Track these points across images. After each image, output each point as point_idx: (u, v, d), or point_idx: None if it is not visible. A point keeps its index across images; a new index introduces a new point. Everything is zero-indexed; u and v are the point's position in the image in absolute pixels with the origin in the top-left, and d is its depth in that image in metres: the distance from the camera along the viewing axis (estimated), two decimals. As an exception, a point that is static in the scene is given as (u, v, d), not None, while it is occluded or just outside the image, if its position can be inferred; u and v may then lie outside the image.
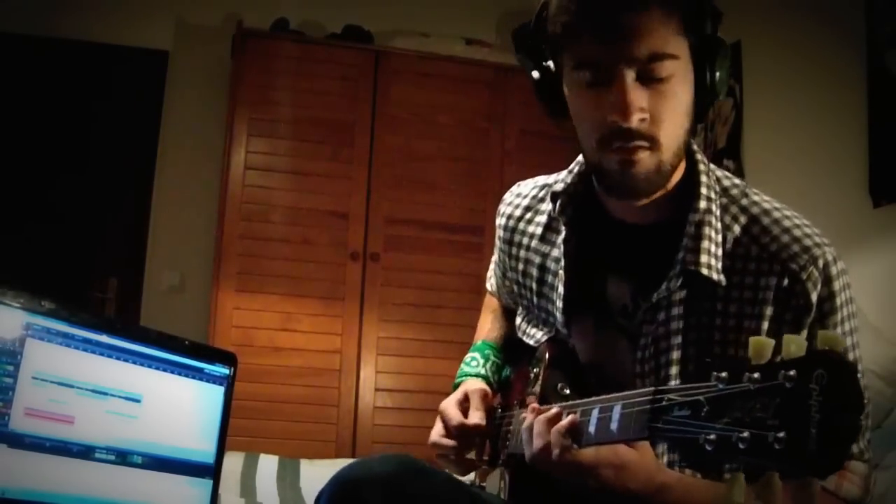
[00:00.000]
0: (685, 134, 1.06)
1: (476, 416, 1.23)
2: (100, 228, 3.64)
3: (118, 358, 1.16)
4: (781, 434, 0.65)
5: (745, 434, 0.67)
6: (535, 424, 0.99)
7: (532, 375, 1.23)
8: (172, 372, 1.23)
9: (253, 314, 3.31)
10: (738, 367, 0.70)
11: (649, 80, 1.00)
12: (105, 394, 1.14)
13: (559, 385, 1.14)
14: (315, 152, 3.45)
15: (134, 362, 1.18)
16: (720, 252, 1.07)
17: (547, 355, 1.21)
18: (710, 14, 1.04)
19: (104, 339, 1.15)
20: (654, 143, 1.02)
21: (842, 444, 0.64)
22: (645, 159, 1.02)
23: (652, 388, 0.83)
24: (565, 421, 0.95)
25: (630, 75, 0.99)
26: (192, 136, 3.75)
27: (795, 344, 0.68)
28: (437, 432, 1.26)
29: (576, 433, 0.94)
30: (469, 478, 1.33)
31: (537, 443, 0.97)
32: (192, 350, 1.26)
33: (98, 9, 3.68)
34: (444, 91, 3.60)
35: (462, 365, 1.38)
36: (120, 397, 1.16)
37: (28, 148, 3.59)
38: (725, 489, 0.71)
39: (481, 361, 1.36)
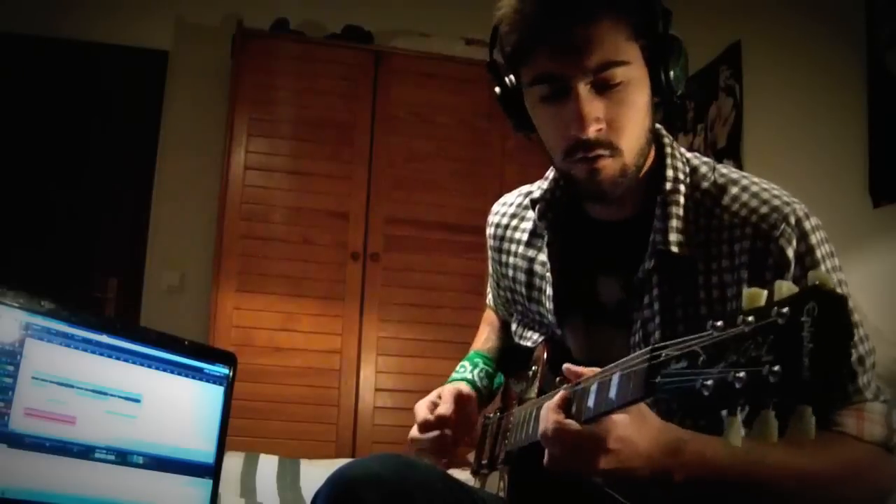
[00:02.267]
0: (646, 133, 1.08)
1: (442, 408, 1.24)
2: (100, 228, 3.64)
3: (118, 358, 1.17)
4: (776, 368, 0.65)
5: (742, 374, 0.67)
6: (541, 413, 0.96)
7: (530, 374, 1.24)
8: (172, 372, 1.23)
9: (253, 314, 3.30)
10: (732, 315, 0.71)
11: (604, 88, 1.03)
12: (105, 394, 1.14)
13: (557, 381, 1.15)
14: (315, 152, 3.45)
15: (134, 362, 1.18)
16: (687, 228, 1.08)
17: (544, 355, 1.22)
18: (661, 15, 1.06)
19: (104, 339, 1.15)
20: (614, 150, 1.05)
21: (834, 370, 0.65)
22: (608, 166, 1.05)
23: (649, 347, 0.82)
24: (556, 397, 0.93)
25: (584, 87, 1.02)
26: (192, 136, 3.75)
27: (786, 286, 0.68)
28: (412, 432, 1.27)
29: (568, 406, 0.92)
30: (469, 479, 1.33)
31: (539, 428, 0.94)
32: (191, 350, 1.26)
33: (98, 9, 3.68)
34: (444, 91, 3.60)
35: (452, 373, 1.39)
36: (120, 397, 1.16)
37: (28, 148, 3.59)
38: (724, 434, 0.71)
39: (469, 368, 1.38)
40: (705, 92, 3.22)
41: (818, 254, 1.03)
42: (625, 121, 1.04)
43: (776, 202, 1.05)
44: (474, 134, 3.60)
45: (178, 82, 3.79)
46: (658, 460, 0.90)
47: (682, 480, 0.90)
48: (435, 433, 1.23)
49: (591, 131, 1.02)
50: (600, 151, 1.04)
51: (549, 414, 0.92)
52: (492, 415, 1.36)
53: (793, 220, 1.03)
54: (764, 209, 1.05)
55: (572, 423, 0.90)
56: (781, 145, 2.80)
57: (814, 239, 1.03)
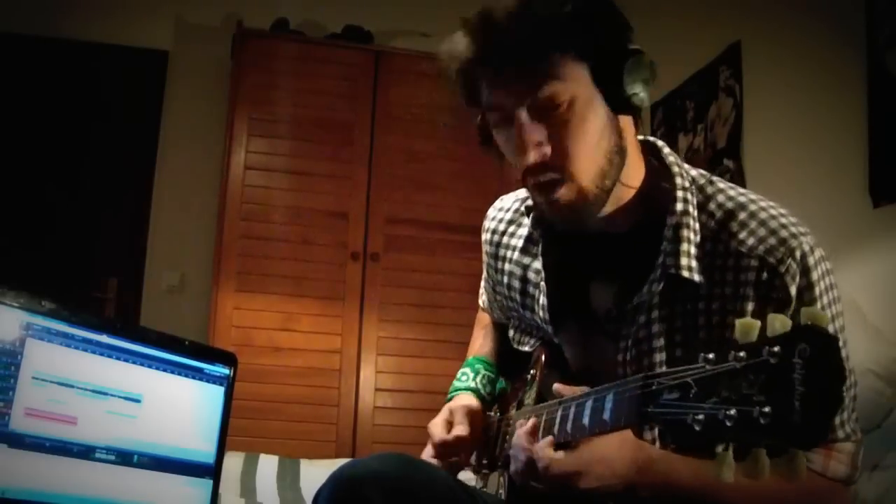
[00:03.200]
0: (605, 154, 1.05)
1: (459, 429, 1.25)
2: (100, 228, 3.64)
3: (118, 358, 1.16)
4: (767, 409, 0.65)
5: (732, 411, 0.68)
6: (515, 441, 1.00)
7: (528, 378, 1.24)
8: (172, 372, 1.22)
9: (253, 314, 3.30)
10: (724, 348, 0.71)
11: (544, 112, 1.02)
12: (105, 394, 1.14)
13: (555, 387, 1.15)
14: (315, 152, 3.45)
15: (134, 362, 1.18)
16: (698, 253, 1.07)
17: (542, 358, 1.22)
18: (609, 32, 1.03)
19: (104, 339, 1.15)
20: (564, 173, 1.03)
21: (825, 414, 0.65)
22: (564, 194, 1.04)
23: (642, 375, 0.83)
24: (527, 429, 0.98)
25: (524, 114, 1.03)
26: (192, 136, 3.75)
27: (780, 321, 0.68)
28: (426, 453, 1.27)
29: (549, 428, 0.97)
30: (471, 479, 1.33)
31: (515, 462, 0.99)
32: (192, 350, 1.25)
33: (98, 9, 3.68)
34: (444, 91, 3.59)
35: (454, 381, 1.39)
36: (120, 397, 1.16)
37: (28, 148, 3.59)
38: (714, 468, 0.71)
39: (471, 375, 1.37)
40: (705, 92, 3.22)
41: (817, 290, 1.03)
42: (570, 142, 1.02)
43: (784, 233, 1.04)
44: (474, 134, 3.59)
45: (178, 82, 3.79)
46: (629, 478, 0.95)
47: (647, 495, 0.96)
48: (454, 459, 1.25)
49: (532, 156, 1.03)
50: (551, 175, 1.03)
51: (526, 447, 0.98)
52: (492, 414, 1.36)
53: (798, 255, 1.02)
54: (772, 241, 1.04)
55: (559, 457, 0.95)
56: (781, 145, 2.80)
57: (815, 274, 1.03)
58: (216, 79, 3.72)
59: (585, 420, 0.93)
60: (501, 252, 1.32)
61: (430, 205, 3.52)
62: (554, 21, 1.00)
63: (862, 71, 2.39)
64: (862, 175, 2.36)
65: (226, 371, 1.29)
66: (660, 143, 1.17)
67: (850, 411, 1.05)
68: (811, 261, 1.03)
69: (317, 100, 3.49)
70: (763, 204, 1.09)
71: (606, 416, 0.88)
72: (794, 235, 1.04)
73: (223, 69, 3.65)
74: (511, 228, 1.32)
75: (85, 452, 1.11)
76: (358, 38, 3.65)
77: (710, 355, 0.72)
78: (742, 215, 1.08)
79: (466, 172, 3.55)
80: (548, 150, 1.02)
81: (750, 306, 1.03)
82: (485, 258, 1.38)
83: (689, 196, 1.10)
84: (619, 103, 1.04)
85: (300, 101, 3.48)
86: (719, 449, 0.86)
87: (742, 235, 1.06)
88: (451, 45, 1.07)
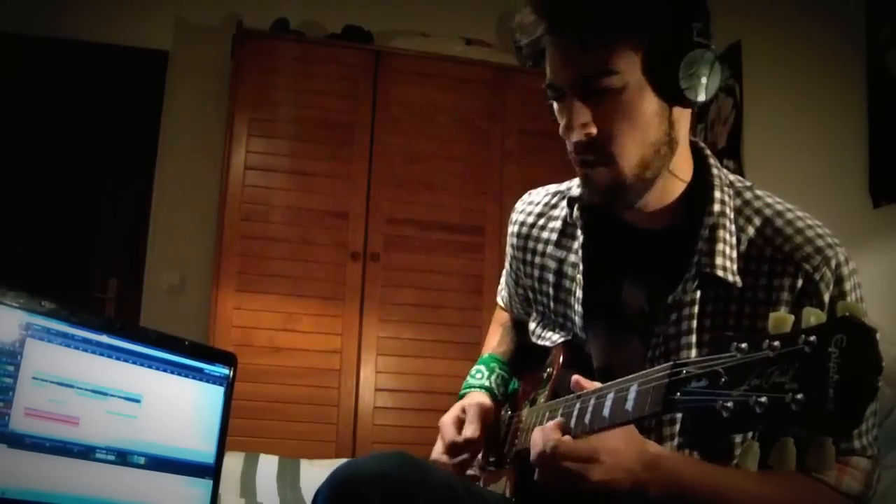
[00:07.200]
0: (651, 143, 1.06)
1: (469, 430, 1.25)
2: (100, 228, 3.64)
3: (118, 358, 1.16)
4: (800, 396, 0.65)
5: (763, 398, 0.67)
6: (535, 434, 0.99)
7: (544, 376, 1.24)
8: (172, 372, 1.22)
9: (253, 314, 3.30)
10: (757, 338, 0.71)
11: (594, 95, 1.04)
12: (105, 394, 1.14)
13: (572, 385, 1.15)
14: (315, 152, 3.45)
15: (134, 362, 1.18)
16: (735, 254, 1.08)
17: (560, 358, 1.22)
18: (669, 22, 1.03)
19: (104, 339, 1.15)
20: (605, 157, 1.05)
21: (859, 403, 0.64)
22: (600, 174, 1.07)
23: (670, 363, 0.83)
24: (551, 423, 0.97)
25: (574, 95, 1.05)
26: (192, 136, 3.75)
27: (815, 315, 0.69)
28: (436, 449, 1.27)
29: (566, 425, 0.96)
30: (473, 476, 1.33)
31: (534, 450, 0.98)
32: (191, 350, 1.25)
33: (98, 9, 3.68)
34: (444, 91, 3.60)
35: (467, 377, 1.39)
36: (120, 397, 1.16)
37: (28, 148, 3.59)
38: (740, 458, 0.71)
39: (486, 373, 1.37)
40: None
41: (849, 300, 1.05)
42: (617, 128, 1.04)
43: (820, 242, 1.06)
44: (474, 134, 3.60)
45: (178, 82, 3.79)
46: (638, 474, 0.95)
47: (656, 495, 0.96)
48: (464, 457, 1.24)
49: (575, 136, 1.05)
50: (588, 157, 1.06)
51: (545, 434, 0.96)
52: (503, 412, 1.36)
53: (833, 265, 1.05)
54: (808, 248, 1.05)
55: (568, 440, 0.94)
56: (781, 145, 2.81)
57: (848, 285, 1.05)
58: (216, 79, 3.72)
59: (606, 412, 0.92)
60: (531, 244, 1.31)
61: (430, 205, 3.52)
62: (613, 5, 1.02)
63: (862, 71, 2.39)
64: (862, 175, 2.37)
65: (226, 371, 1.29)
66: (701, 143, 1.18)
67: (869, 425, 1.05)
68: (845, 271, 1.05)
69: (317, 100, 3.49)
70: (800, 213, 1.11)
71: (629, 405, 0.87)
72: (829, 245, 1.06)
73: (223, 69, 3.65)
74: (541, 221, 1.31)
75: (85, 452, 1.11)
76: (358, 38, 3.65)
77: (743, 344, 0.72)
78: (779, 222, 1.09)
79: (466, 172, 3.56)
80: (593, 130, 1.05)
81: (783, 311, 1.04)
82: (509, 251, 1.37)
83: (726, 198, 1.11)
84: (671, 95, 1.05)
85: (300, 101, 3.48)
86: (738, 439, 0.85)
87: (778, 242, 1.07)
88: (521, 16, 1.10)
